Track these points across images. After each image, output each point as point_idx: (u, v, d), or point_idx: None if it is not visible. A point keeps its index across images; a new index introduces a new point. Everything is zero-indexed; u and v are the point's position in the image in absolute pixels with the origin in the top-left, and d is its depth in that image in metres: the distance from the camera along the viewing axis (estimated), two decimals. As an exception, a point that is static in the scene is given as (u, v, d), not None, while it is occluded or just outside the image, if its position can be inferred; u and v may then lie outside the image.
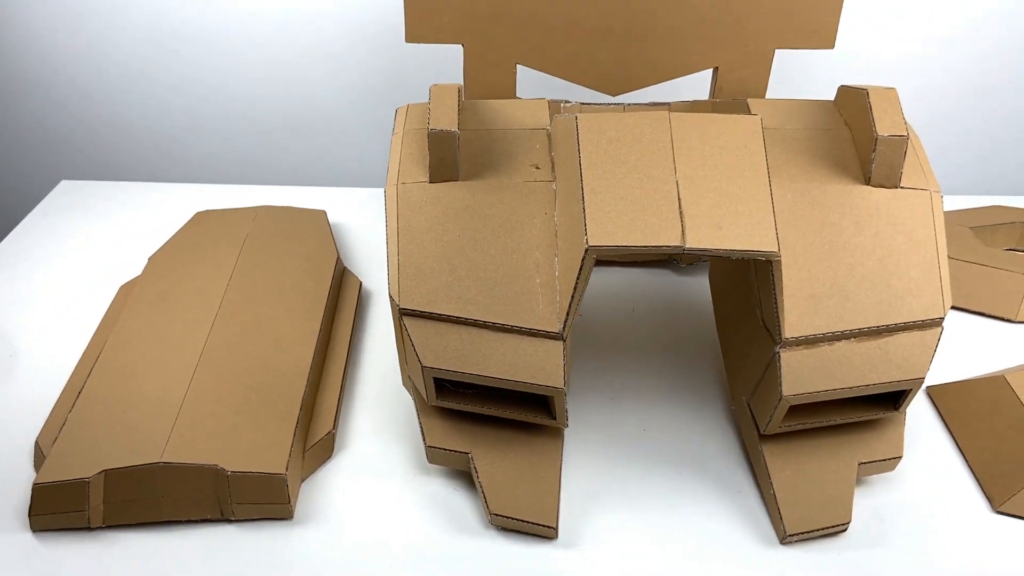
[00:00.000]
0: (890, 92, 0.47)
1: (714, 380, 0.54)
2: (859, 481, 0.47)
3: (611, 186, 0.42)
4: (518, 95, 0.63)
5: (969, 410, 0.51)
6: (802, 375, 0.42)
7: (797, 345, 0.42)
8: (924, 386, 0.54)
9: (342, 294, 0.61)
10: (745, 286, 0.49)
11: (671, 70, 0.62)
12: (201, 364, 0.49)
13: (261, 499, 0.43)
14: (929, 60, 0.79)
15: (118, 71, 0.82)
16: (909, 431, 0.51)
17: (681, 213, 0.41)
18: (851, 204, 0.45)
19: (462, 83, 0.61)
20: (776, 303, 0.42)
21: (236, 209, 0.68)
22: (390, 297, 0.44)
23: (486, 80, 0.63)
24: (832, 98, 0.50)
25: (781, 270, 0.42)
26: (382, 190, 0.66)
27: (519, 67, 0.62)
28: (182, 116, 0.84)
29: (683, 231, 0.41)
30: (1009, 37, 0.77)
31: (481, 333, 0.43)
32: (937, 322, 0.43)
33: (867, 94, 0.46)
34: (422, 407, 0.47)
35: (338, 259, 0.62)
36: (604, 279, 0.66)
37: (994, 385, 0.51)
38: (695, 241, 0.40)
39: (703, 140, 0.44)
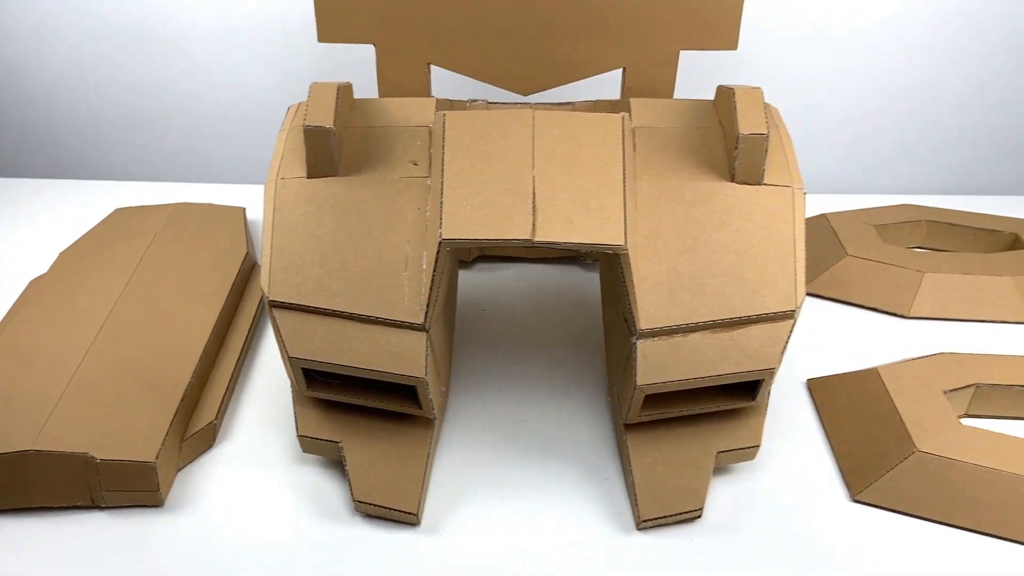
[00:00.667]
0: (755, 91, 0.48)
1: (599, 374, 0.56)
2: (725, 470, 0.48)
3: (470, 181, 0.43)
4: (433, 94, 0.64)
5: (842, 402, 0.52)
6: (656, 365, 0.43)
7: (652, 336, 0.44)
8: (805, 379, 0.55)
9: (249, 289, 0.62)
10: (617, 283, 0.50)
11: (580, 70, 0.63)
12: (90, 354, 0.50)
13: (130, 486, 0.44)
14: (851, 60, 0.80)
15: (46, 68, 0.83)
16: (785, 423, 0.52)
17: (534, 208, 0.42)
18: (715, 200, 0.46)
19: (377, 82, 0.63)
20: (629, 295, 0.43)
21: (154, 206, 0.70)
22: (262, 289, 0.45)
23: (399, 80, 0.64)
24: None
25: (630, 263, 0.43)
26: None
27: (435, 67, 0.63)
28: (114, 113, 0.85)
29: (534, 225, 0.42)
30: (922, 38, 0.78)
31: (348, 324, 0.44)
32: (789, 314, 0.44)
33: (733, 93, 0.48)
34: (298, 398, 0.48)
35: (247, 255, 0.63)
36: (515, 274, 0.67)
37: (867, 378, 0.52)
38: (544, 235, 0.41)
39: (564, 138, 0.45)
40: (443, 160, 0.44)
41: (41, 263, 0.65)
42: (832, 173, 0.86)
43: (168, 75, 0.82)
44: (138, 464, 0.44)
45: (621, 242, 0.42)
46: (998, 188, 0.86)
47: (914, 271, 0.61)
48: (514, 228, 0.42)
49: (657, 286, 0.44)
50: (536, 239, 0.41)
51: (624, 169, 0.44)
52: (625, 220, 0.42)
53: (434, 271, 0.43)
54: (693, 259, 0.45)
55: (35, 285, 0.60)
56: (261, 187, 0.78)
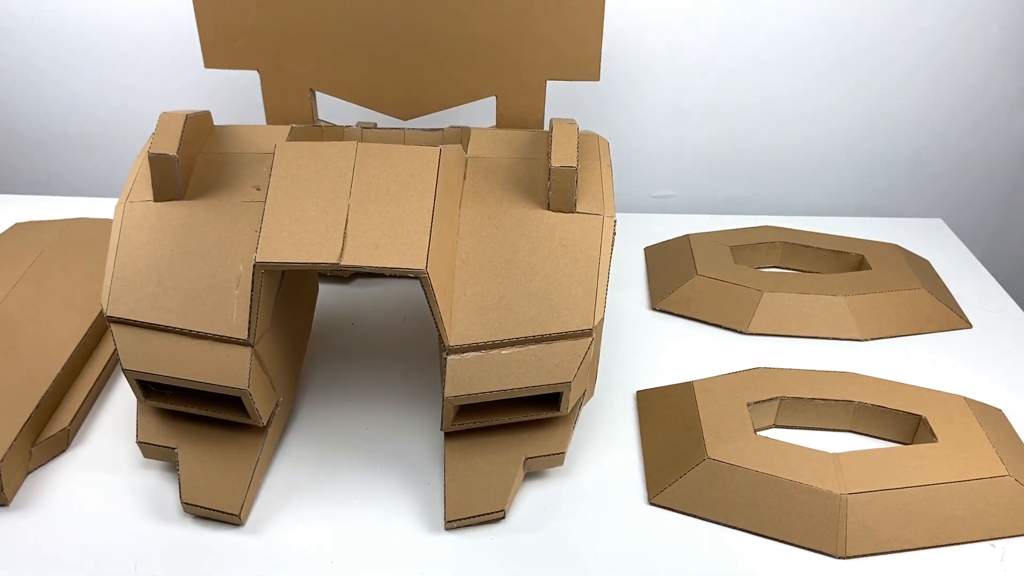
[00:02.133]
0: (571, 126, 0.52)
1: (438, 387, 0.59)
2: (540, 475, 0.52)
3: (289, 208, 0.47)
4: (320, 119, 0.68)
5: (659, 413, 0.56)
6: (464, 378, 0.47)
7: (462, 351, 0.47)
8: (634, 390, 0.59)
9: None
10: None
11: (454, 97, 0.67)
12: (-44, 364, 0.54)
13: (-25, 485, 0.48)
14: (731, 81, 0.84)
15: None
16: (610, 431, 0.56)
17: (345, 234, 0.46)
18: (531, 226, 0.50)
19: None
20: (434, 315, 0.47)
21: (52, 221, 0.73)
22: (102, 305, 0.48)
23: (284, 105, 0.67)
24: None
25: (432, 286, 0.46)
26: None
27: (319, 93, 0.66)
28: (32, 127, 0.89)
29: (342, 250, 0.45)
30: (790, 63, 0.83)
31: (179, 340, 0.48)
32: (587, 332, 0.48)
33: (552, 127, 0.52)
34: (141, 407, 0.52)
35: (131, 269, 0.67)
36: (387, 290, 0.70)
37: (683, 390, 0.56)
38: (351, 259, 0.45)
39: (382, 169, 0.49)
40: (267, 188, 0.48)
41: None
42: (709, 198, 0.91)
43: (77, 92, 0.86)
44: (-18, 466, 0.47)
45: (422, 267, 0.45)
46: (861, 210, 0.91)
47: (755, 290, 0.66)
48: (323, 253, 0.45)
49: (469, 305, 0.48)
50: (343, 263, 0.45)
51: (435, 199, 0.48)
52: (430, 246, 0.46)
53: (252, 291, 0.46)
54: (504, 281, 0.49)
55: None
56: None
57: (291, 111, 0.68)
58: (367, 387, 0.59)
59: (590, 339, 0.48)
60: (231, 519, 0.48)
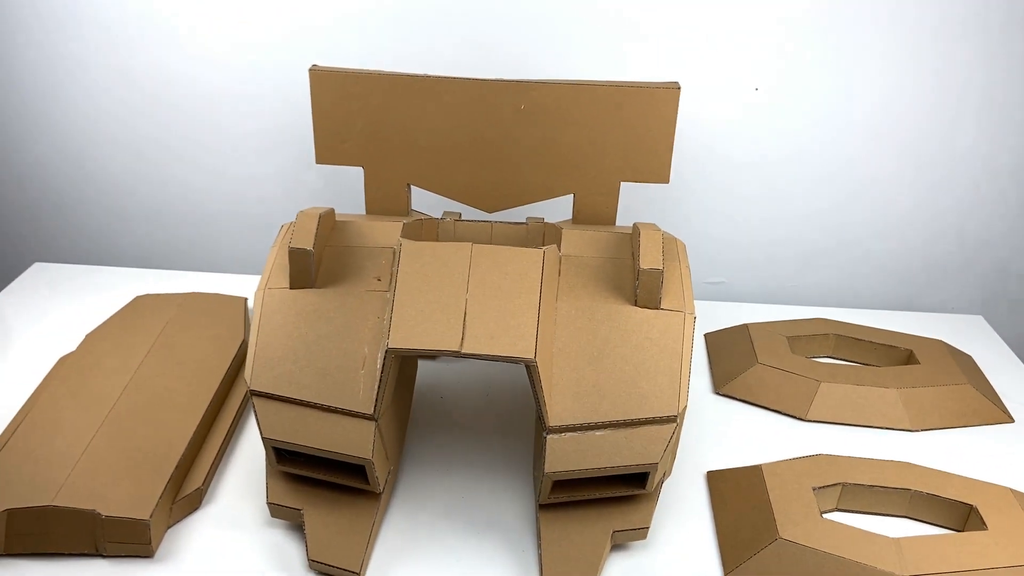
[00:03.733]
0: (656, 232, 0.59)
1: (529, 459, 0.65)
2: (624, 547, 0.57)
3: (415, 300, 0.54)
4: (414, 209, 0.76)
5: (730, 493, 0.61)
6: (562, 456, 0.53)
7: (560, 432, 0.53)
8: (705, 471, 0.65)
9: (242, 372, 0.73)
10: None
11: (535, 194, 0.75)
12: (104, 426, 0.61)
13: (128, 539, 0.54)
14: (780, 177, 0.91)
15: (83, 166, 0.96)
16: (683, 508, 0.61)
17: (464, 325, 0.53)
18: (620, 320, 0.57)
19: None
20: (539, 398, 0.53)
21: (168, 294, 0.81)
22: (245, 380, 0.55)
23: (383, 197, 0.75)
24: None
25: (539, 373, 0.53)
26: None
27: (413, 187, 0.74)
28: (147, 208, 0.98)
29: (463, 339, 0.52)
30: (844, 162, 0.90)
31: (311, 412, 0.54)
32: (672, 419, 0.54)
33: (639, 232, 0.59)
34: (270, 471, 0.58)
35: (243, 341, 0.74)
36: (471, 368, 0.77)
37: (752, 473, 0.61)
38: (470, 347, 0.52)
39: (493, 267, 0.56)
40: (395, 282, 0.55)
41: (70, 342, 0.76)
42: (761, 286, 0.97)
43: (191, 176, 0.95)
44: (135, 521, 0.54)
45: (531, 356, 0.52)
46: (907, 304, 0.97)
47: (813, 379, 0.71)
48: (446, 341, 0.52)
49: (566, 390, 0.54)
50: (463, 351, 0.52)
51: (540, 295, 0.55)
52: (537, 337, 0.53)
53: (381, 372, 0.53)
54: (598, 369, 0.55)
55: (63, 362, 0.71)
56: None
57: (389, 202, 0.75)
58: (457, 457, 0.65)
59: (675, 424, 0.54)
60: (351, 576, 0.54)
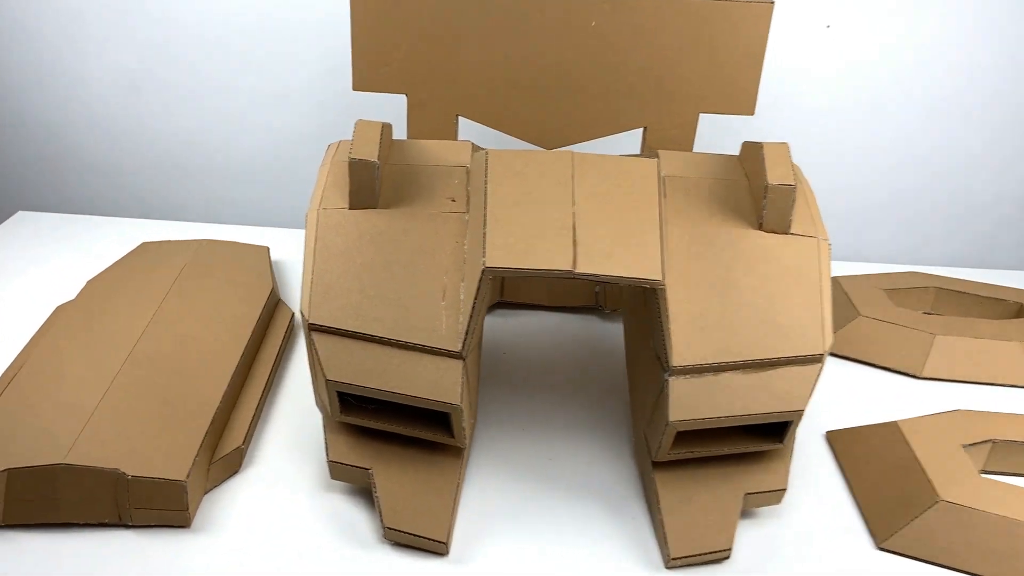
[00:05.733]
0: (782, 146, 0.50)
1: (622, 416, 0.56)
2: (749, 513, 0.48)
3: (513, 214, 0.45)
4: (462, 143, 0.66)
5: (862, 453, 0.52)
6: (688, 402, 0.44)
7: (684, 373, 0.44)
8: (824, 431, 0.56)
9: (273, 322, 0.63)
10: (647, 323, 0.51)
11: (602, 128, 0.66)
12: (120, 375, 0.51)
13: (159, 505, 0.44)
14: (868, 132, 0.83)
15: (87, 113, 0.85)
16: (805, 472, 0.52)
17: (575, 241, 0.44)
18: (744, 246, 0.48)
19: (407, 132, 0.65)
20: (664, 331, 0.44)
21: (180, 241, 0.71)
22: (301, 313, 0.46)
23: (428, 130, 0.66)
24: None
25: (667, 299, 0.44)
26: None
27: (461, 119, 0.65)
28: (144, 155, 0.87)
29: (575, 257, 0.43)
30: (938, 114, 0.82)
31: (385, 350, 0.45)
32: (818, 358, 0.45)
33: (762, 147, 0.50)
34: (329, 424, 0.48)
35: (272, 291, 0.64)
36: (533, 321, 0.68)
37: (888, 431, 0.53)
38: (585, 267, 0.43)
39: (602, 178, 0.47)
40: (486, 193, 0.46)
41: (67, 291, 0.65)
42: (840, 241, 0.89)
43: (198, 122, 0.85)
44: (169, 482, 0.44)
45: (659, 277, 0.43)
46: (1003, 263, 0.89)
47: (926, 333, 0.63)
48: (556, 260, 0.43)
49: (689, 325, 0.45)
50: (577, 271, 0.43)
51: (660, 210, 0.46)
52: (662, 258, 0.44)
53: (475, 299, 0.44)
54: (723, 301, 0.46)
55: (62, 310, 0.60)
56: (281, 230, 0.80)
57: (435, 136, 0.66)
58: (533, 415, 0.56)
59: (820, 365, 0.45)
60: (437, 547, 0.44)
